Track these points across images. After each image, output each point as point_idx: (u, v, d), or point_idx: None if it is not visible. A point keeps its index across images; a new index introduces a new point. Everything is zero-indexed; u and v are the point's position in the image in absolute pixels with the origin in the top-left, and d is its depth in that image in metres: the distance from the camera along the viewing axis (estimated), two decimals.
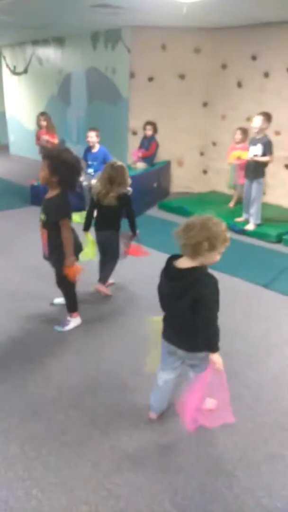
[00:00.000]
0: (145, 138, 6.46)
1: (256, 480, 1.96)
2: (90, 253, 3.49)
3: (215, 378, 1.97)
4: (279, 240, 5.04)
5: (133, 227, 3.50)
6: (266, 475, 1.99)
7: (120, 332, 3.11)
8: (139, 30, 6.34)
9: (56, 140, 6.35)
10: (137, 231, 3.53)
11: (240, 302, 3.62)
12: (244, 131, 5.84)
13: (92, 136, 5.76)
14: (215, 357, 1.96)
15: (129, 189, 3.43)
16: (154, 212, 6.15)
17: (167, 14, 5.21)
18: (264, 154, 5.02)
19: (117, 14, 5.31)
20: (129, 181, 3.40)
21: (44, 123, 6.31)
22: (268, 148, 5.02)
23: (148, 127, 6.38)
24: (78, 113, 8.09)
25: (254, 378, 2.66)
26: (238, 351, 2.92)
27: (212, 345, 1.96)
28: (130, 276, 3.92)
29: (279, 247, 4.91)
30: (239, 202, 5.96)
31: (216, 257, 1.92)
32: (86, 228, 3.49)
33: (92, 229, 3.52)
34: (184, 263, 1.93)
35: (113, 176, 3.26)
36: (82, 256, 3.28)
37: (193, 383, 2.03)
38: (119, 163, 3.37)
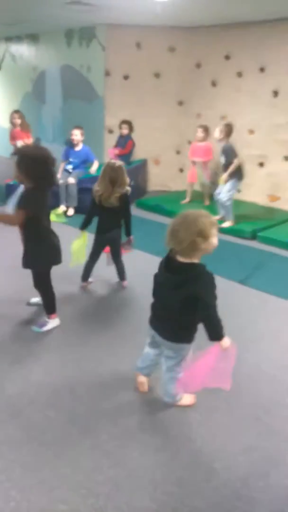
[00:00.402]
0: (121, 136, 6.46)
1: (234, 472, 2.00)
2: (81, 256, 3.53)
3: (226, 353, 2.07)
4: (254, 237, 5.14)
5: (128, 228, 3.56)
6: (243, 467, 2.03)
7: (100, 330, 3.11)
8: (113, 28, 6.33)
9: (30, 139, 6.26)
10: (131, 236, 3.59)
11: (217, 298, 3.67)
12: (206, 129, 5.95)
13: (77, 134, 5.75)
14: (224, 343, 2.05)
15: (128, 188, 3.45)
16: (131, 210, 6.13)
17: (141, 12, 5.22)
18: (229, 160, 5.12)
19: (90, 11, 5.28)
20: (128, 180, 3.42)
21: (18, 121, 6.22)
22: (229, 154, 5.14)
23: (124, 126, 6.38)
24: (53, 111, 8.00)
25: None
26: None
27: (219, 335, 2.04)
28: (108, 274, 3.91)
29: (254, 244, 5.00)
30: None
31: (214, 241, 1.99)
32: (84, 226, 3.55)
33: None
34: (186, 259, 2.00)
35: (114, 177, 3.28)
36: (73, 261, 3.28)
37: (201, 357, 2.10)
38: (118, 163, 3.37)
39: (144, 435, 2.20)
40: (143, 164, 6.95)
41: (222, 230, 5.30)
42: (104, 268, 3.83)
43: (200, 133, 5.94)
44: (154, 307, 2.22)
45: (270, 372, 2.72)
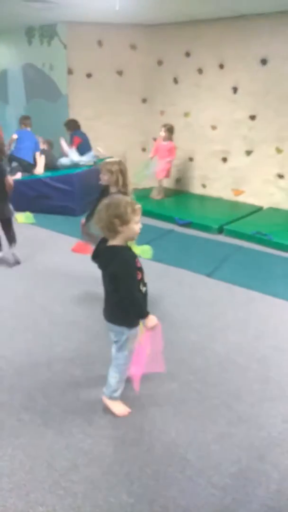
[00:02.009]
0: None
1: (207, 461, 2.06)
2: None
3: (153, 333, 2.13)
4: (220, 231, 5.25)
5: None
6: (215, 455, 2.10)
7: (71, 330, 3.11)
8: (74, 25, 6.27)
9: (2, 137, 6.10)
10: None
11: (185, 291, 3.74)
12: (169, 129, 6.07)
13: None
14: (148, 321, 2.10)
15: None
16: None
17: (100, 10, 5.20)
18: None
19: (50, 9, 5.22)
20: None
21: None
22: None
23: (65, 128, 6.25)
24: (17, 111, 7.84)
25: (201, 363, 2.77)
26: (184, 338, 3.03)
27: (141, 314, 2.12)
28: (78, 273, 3.90)
29: (221, 238, 5.11)
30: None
31: (135, 227, 2.08)
32: None
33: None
34: (110, 242, 2.12)
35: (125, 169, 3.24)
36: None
37: (135, 352, 2.18)
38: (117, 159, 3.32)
39: (119, 431, 2.22)
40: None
41: (191, 226, 5.41)
42: (73, 266, 3.82)
43: (163, 132, 6.05)
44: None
45: (238, 361, 2.81)
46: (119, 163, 3.23)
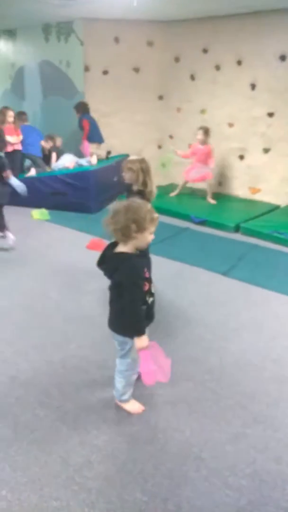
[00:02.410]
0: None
1: (222, 461, 2.04)
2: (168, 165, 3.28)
3: (154, 352, 2.05)
4: (237, 229, 5.20)
5: None
6: (231, 455, 2.07)
7: (85, 327, 3.11)
8: (91, 22, 6.27)
9: (20, 136, 6.14)
10: None
11: (200, 290, 3.71)
12: (206, 131, 5.86)
13: None
14: (138, 341, 2.01)
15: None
16: (116, 204, 6.15)
17: (118, 6, 5.18)
18: None
19: (67, 5, 5.22)
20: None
21: (11, 119, 6.02)
22: None
23: (74, 111, 6.29)
24: (33, 108, 7.90)
25: (216, 363, 2.75)
26: (199, 337, 3.01)
27: (137, 329, 2.02)
28: (92, 270, 3.91)
29: (237, 236, 5.06)
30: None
31: (148, 237, 2.01)
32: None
33: None
34: (119, 248, 2.03)
35: (147, 167, 3.21)
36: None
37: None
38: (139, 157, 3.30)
39: (133, 428, 2.22)
40: (125, 159, 6.92)
41: (207, 224, 5.37)
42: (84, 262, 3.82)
43: (200, 136, 5.84)
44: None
45: (254, 361, 2.77)
46: (141, 161, 3.20)
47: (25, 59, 7.76)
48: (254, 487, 1.91)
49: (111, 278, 2.08)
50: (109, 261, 2.05)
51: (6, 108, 6.04)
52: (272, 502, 1.85)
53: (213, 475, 1.97)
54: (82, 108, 6.26)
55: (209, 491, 1.90)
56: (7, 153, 6.01)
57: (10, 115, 5.90)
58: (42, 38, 7.16)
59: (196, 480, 1.94)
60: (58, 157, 6.38)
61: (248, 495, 1.88)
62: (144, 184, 3.19)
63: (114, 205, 2.03)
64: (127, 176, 3.22)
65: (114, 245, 2.07)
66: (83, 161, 6.18)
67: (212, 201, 6.06)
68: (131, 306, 2.00)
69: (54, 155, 6.38)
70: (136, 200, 2.05)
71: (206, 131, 5.87)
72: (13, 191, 5.94)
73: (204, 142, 5.90)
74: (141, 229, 1.96)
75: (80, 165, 6.14)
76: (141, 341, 2.01)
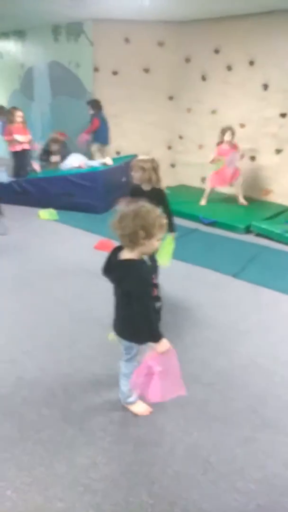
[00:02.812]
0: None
1: (230, 465, 2.00)
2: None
3: (166, 358, 2.00)
4: (247, 231, 5.14)
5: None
6: (239, 459, 2.03)
7: (92, 328, 3.09)
8: (101, 23, 6.28)
9: (29, 136, 6.19)
10: None
11: (210, 292, 3.67)
12: (233, 132, 5.67)
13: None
14: (159, 346, 1.97)
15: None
16: (124, 206, 6.13)
17: (128, 6, 5.18)
18: None
19: (78, 6, 5.23)
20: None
21: (20, 119, 6.07)
22: None
23: (88, 107, 6.30)
24: (42, 108, 7.94)
25: (224, 365, 2.71)
26: (208, 339, 2.97)
27: (154, 336, 1.97)
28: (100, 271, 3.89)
29: (248, 238, 5.01)
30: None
31: (155, 244, 1.95)
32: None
33: None
34: (124, 254, 1.96)
35: (158, 167, 3.20)
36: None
37: (140, 367, 2.07)
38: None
39: (140, 430, 2.19)
40: (133, 159, 6.92)
41: (216, 225, 5.33)
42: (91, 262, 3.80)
43: (228, 136, 5.64)
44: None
45: (264, 364, 2.72)
46: (152, 160, 3.18)
47: (34, 59, 7.80)
48: (263, 492, 1.87)
49: (119, 286, 2.01)
50: (116, 270, 1.98)
51: (14, 108, 6.12)
52: (281, 507, 1.81)
53: (221, 479, 1.93)
54: (97, 105, 6.28)
55: (217, 495, 1.86)
56: (16, 152, 6.05)
57: (19, 115, 5.95)
58: (52, 38, 7.19)
59: (204, 484, 1.91)
60: (63, 157, 6.37)
61: (256, 500, 1.84)
62: (158, 182, 3.16)
63: (122, 209, 1.95)
64: (137, 176, 3.18)
65: (118, 249, 2.00)
66: (95, 163, 6.17)
67: (244, 202, 5.90)
68: (145, 315, 1.94)
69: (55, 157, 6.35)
70: (146, 205, 1.94)
71: (233, 132, 5.66)
72: (22, 191, 5.99)
73: (230, 144, 5.70)
74: (149, 235, 1.88)
75: (91, 167, 6.15)
76: (162, 345, 1.97)
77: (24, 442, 2.09)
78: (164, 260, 3.20)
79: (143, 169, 3.14)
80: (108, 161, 6.17)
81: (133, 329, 2.06)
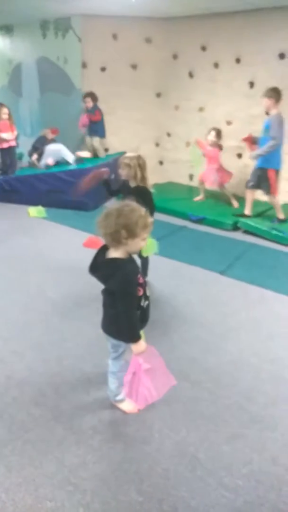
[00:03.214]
0: (87, 110, 6.30)
1: (218, 461, 2.03)
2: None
3: (148, 354, 2.06)
4: (234, 228, 5.18)
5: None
6: (227, 455, 2.06)
7: (81, 326, 3.09)
8: (89, 19, 6.23)
9: (15, 132, 6.11)
10: None
11: (197, 289, 3.70)
12: (218, 133, 5.62)
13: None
14: (134, 348, 2.01)
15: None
16: (112, 203, 6.12)
17: (116, 2, 5.15)
18: None
19: (65, 2, 5.18)
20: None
21: (6, 116, 6.00)
22: None
23: (87, 99, 6.21)
24: (30, 105, 7.87)
25: (213, 362, 2.74)
26: (196, 337, 3.00)
27: (131, 336, 2.00)
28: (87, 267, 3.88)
29: (235, 235, 5.05)
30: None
31: (140, 243, 1.94)
32: None
33: None
34: (111, 253, 1.96)
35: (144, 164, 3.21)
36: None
37: (129, 370, 2.13)
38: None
39: (129, 428, 2.20)
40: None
41: (204, 222, 5.35)
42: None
43: (212, 137, 5.58)
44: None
45: (251, 361, 2.76)
46: (138, 157, 3.20)
47: (22, 55, 7.72)
48: (250, 488, 1.90)
49: (105, 285, 2.03)
50: (101, 269, 1.98)
51: (0, 104, 6.04)
52: (268, 503, 1.84)
53: (209, 475, 1.96)
54: (96, 98, 6.25)
55: (205, 492, 1.88)
56: (2, 150, 5.99)
57: (5, 112, 5.90)
58: (40, 34, 7.11)
59: (192, 480, 1.93)
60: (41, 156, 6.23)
61: (244, 496, 1.87)
62: (143, 179, 3.17)
63: (108, 207, 1.95)
64: (124, 173, 3.20)
65: (106, 247, 2.00)
66: (69, 158, 6.06)
67: (236, 204, 5.82)
68: (125, 315, 1.96)
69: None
70: (131, 204, 1.93)
71: (218, 133, 5.59)
72: (11, 189, 5.94)
73: (214, 144, 5.63)
74: (131, 235, 1.87)
75: (65, 161, 6.05)
76: (138, 346, 2.01)
77: (14, 442, 2.10)
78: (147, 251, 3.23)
79: (128, 166, 3.16)
80: (85, 154, 6.14)
81: (119, 328, 2.07)
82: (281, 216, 5.15)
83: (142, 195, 3.10)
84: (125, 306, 1.95)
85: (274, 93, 4.72)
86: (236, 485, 1.92)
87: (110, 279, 1.96)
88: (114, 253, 1.96)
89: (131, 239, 1.89)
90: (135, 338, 2.00)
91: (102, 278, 2.01)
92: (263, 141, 4.84)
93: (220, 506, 1.82)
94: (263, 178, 4.94)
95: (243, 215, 5.26)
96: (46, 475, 1.93)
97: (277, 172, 4.92)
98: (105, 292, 2.07)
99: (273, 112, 4.78)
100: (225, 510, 1.81)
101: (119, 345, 2.15)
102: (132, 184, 3.22)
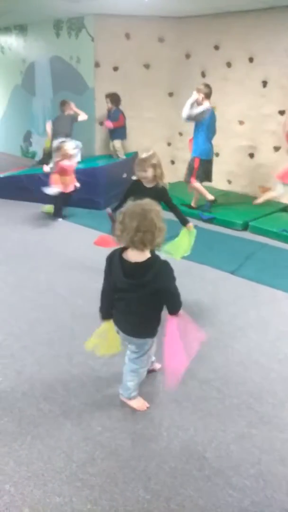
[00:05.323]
0: (109, 111, 6.35)
1: (226, 461, 2.03)
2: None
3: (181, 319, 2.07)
4: (245, 227, 5.16)
5: None
6: (235, 455, 2.06)
7: (91, 324, 3.10)
8: (102, 18, 6.25)
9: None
10: None
11: (207, 288, 3.69)
12: None
13: None
14: (180, 312, 2.05)
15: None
16: (128, 204, 6.13)
17: (129, 1, 5.16)
18: None
19: (78, 2, 5.21)
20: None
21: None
22: None
23: (107, 99, 6.25)
24: (44, 103, 7.92)
25: (221, 362, 2.73)
26: (205, 336, 2.98)
27: (179, 307, 2.06)
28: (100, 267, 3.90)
29: (245, 234, 5.03)
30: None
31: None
32: None
33: None
34: (137, 255, 1.91)
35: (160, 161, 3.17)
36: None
37: (166, 344, 2.08)
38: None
39: (137, 426, 2.21)
40: (134, 156, 6.90)
41: (215, 222, 5.33)
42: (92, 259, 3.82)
43: None
44: (117, 306, 2.12)
45: (260, 361, 2.75)
46: (156, 155, 3.11)
47: (36, 54, 7.77)
48: (258, 488, 1.90)
49: (144, 288, 1.92)
50: (140, 275, 1.89)
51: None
52: (276, 503, 1.83)
53: (217, 475, 1.96)
54: (116, 100, 6.25)
55: (212, 491, 1.88)
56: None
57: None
58: (53, 33, 7.15)
59: (199, 480, 1.93)
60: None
61: (251, 496, 1.86)
62: (162, 177, 3.11)
63: (125, 208, 1.88)
64: (149, 174, 3.08)
65: (122, 250, 1.95)
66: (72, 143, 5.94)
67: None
68: (177, 293, 2.01)
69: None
70: (149, 202, 1.89)
71: None
72: (23, 187, 5.99)
73: None
74: (161, 234, 1.88)
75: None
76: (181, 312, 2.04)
77: (23, 437, 2.12)
78: (181, 252, 3.27)
79: (154, 166, 3.06)
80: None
81: (151, 327, 2.08)
82: None
83: (162, 194, 3.08)
84: (175, 288, 1.99)
85: None
86: (243, 485, 1.91)
87: (155, 280, 1.90)
88: (142, 255, 1.91)
89: (159, 238, 1.88)
90: (180, 305, 2.04)
91: (140, 284, 1.91)
92: None
93: (227, 506, 1.82)
94: None
95: None
96: (54, 470, 1.95)
97: None
98: (135, 296, 1.97)
99: None
100: (232, 510, 1.80)
101: (145, 343, 2.14)
102: (149, 184, 3.16)
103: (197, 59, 6.45)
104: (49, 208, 5.51)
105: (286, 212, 5.61)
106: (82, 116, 6.28)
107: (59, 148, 5.17)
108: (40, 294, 3.53)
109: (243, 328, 3.11)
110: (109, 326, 2.19)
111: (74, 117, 6.30)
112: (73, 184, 5.22)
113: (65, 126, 6.20)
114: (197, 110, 5.21)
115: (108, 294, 2.13)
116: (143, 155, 3.21)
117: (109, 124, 6.27)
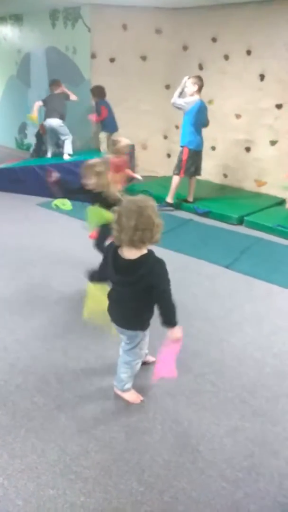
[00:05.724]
0: (96, 104, 6.28)
1: (219, 453, 2.04)
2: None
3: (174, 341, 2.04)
4: (240, 222, 5.16)
5: None
6: (228, 448, 2.07)
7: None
8: (99, 8, 6.18)
9: None
10: None
11: (202, 283, 3.69)
12: None
13: None
14: (174, 332, 1.99)
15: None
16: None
17: None
18: None
19: None
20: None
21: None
22: None
23: (91, 95, 6.20)
24: (39, 95, 7.82)
25: (216, 356, 2.74)
26: (200, 330, 2.99)
27: (173, 322, 1.99)
28: (95, 260, 3.89)
29: (240, 229, 5.02)
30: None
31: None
32: None
33: None
34: (133, 252, 1.90)
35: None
36: None
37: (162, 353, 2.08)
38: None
39: (131, 418, 2.22)
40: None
41: (210, 216, 5.32)
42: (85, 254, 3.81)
43: None
44: (111, 298, 2.13)
45: (255, 355, 2.76)
46: (105, 162, 3.06)
47: (31, 45, 7.68)
48: (251, 480, 1.91)
49: (138, 284, 1.91)
50: (133, 271, 1.88)
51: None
52: (268, 496, 1.85)
53: (210, 467, 1.96)
54: (99, 93, 6.17)
55: (205, 483, 1.89)
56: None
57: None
58: (49, 23, 7.07)
59: (193, 472, 1.94)
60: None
61: (244, 488, 1.87)
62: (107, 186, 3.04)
63: (121, 210, 1.84)
64: (93, 182, 3.04)
65: (115, 247, 1.94)
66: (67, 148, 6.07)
67: None
68: (170, 299, 1.95)
69: None
70: (143, 198, 1.87)
71: None
72: (17, 180, 5.94)
73: None
74: (158, 230, 1.86)
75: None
76: (176, 332, 1.98)
77: (17, 430, 2.12)
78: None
79: (98, 174, 3.00)
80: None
81: (143, 320, 2.09)
82: None
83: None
84: (169, 293, 1.94)
85: None
86: (236, 477, 1.92)
87: (148, 276, 1.88)
88: (138, 252, 1.90)
89: (158, 235, 1.86)
90: (176, 323, 1.97)
91: (133, 281, 1.91)
92: None
93: (220, 498, 1.83)
94: None
95: None
96: (48, 463, 1.95)
97: None
98: (128, 291, 1.98)
99: None
100: (226, 502, 1.82)
101: (136, 335, 2.14)
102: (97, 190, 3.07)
103: (195, 51, 6.40)
104: (58, 202, 5.46)
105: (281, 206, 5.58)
106: (73, 96, 6.21)
107: (114, 143, 4.49)
108: (34, 287, 3.51)
109: (238, 323, 3.12)
110: (95, 286, 2.18)
111: (66, 96, 6.23)
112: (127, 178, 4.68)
113: (59, 106, 6.13)
114: (181, 101, 5.18)
115: (103, 272, 2.11)
116: (90, 161, 3.11)
117: (92, 117, 6.22)
